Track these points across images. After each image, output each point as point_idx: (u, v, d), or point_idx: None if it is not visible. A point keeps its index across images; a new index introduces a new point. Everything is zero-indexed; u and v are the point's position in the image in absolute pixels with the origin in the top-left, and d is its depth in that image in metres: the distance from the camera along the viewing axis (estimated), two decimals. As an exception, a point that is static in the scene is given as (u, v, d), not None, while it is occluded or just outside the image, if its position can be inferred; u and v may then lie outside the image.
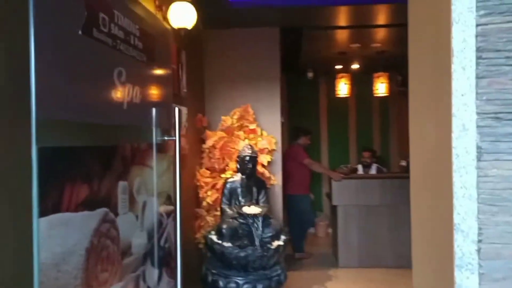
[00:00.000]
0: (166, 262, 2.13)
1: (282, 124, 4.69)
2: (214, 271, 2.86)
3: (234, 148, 3.50)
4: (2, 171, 1.01)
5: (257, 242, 2.82)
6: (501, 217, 0.93)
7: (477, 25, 0.96)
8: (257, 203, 3.21)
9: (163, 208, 2.15)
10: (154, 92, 2.07)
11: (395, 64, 5.28)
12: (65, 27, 1.28)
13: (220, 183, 3.42)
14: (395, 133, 6.56)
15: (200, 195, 3.52)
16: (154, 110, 2.02)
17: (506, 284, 0.93)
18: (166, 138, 2.14)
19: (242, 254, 2.75)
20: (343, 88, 5.85)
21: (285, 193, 4.66)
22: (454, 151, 0.95)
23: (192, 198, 3.52)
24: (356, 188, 4.60)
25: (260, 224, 2.88)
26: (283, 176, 4.30)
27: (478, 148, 0.95)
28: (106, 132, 1.56)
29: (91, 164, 1.43)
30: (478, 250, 0.93)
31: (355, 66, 5.98)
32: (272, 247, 2.85)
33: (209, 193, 3.45)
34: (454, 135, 0.95)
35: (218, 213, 3.31)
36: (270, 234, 2.90)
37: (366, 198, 4.56)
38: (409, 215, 1.28)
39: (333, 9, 3.74)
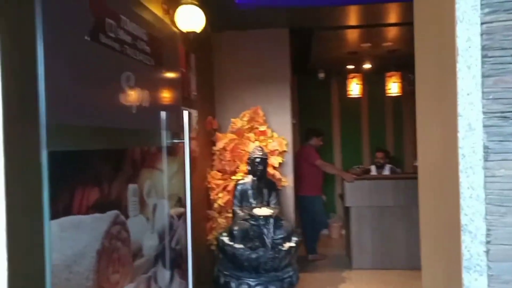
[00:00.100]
0: (177, 264, 2.15)
1: (294, 125, 4.68)
2: (226, 273, 2.87)
3: (244, 150, 3.51)
4: (14, 175, 1.03)
5: (268, 244, 2.82)
6: (510, 218, 0.92)
7: (482, 23, 0.94)
8: (268, 205, 3.21)
9: (174, 210, 2.17)
10: (163, 96, 2.09)
11: (408, 63, 5.18)
12: (72, 33, 1.31)
13: (231, 185, 3.44)
14: (408, 133, 6.48)
15: (212, 197, 3.54)
16: (163, 113, 2.05)
17: (516, 286, 0.91)
18: (175, 141, 2.16)
19: (254, 255, 2.76)
20: (355, 88, 5.80)
21: (297, 194, 4.65)
22: (460, 151, 0.94)
23: (204, 200, 3.54)
24: (369, 189, 4.55)
25: (271, 225, 2.88)
26: (294, 177, 4.30)
27: (485, 147, 0.93)
28: (115, 136, 1.58)
29: (101, 167, 1.46)
30: (487, 252, 0.92)
31: (367, 65, 5.93)
32: (284, 248, 2.85)
33: (220, 195, 3.46)
34: (460, 135, 0.94)
35: (230, 214, 3.32)
36: (281, 236, 2.89)
37: (380, 199, 4.51)
38: (422, 216, 1.27)
39: (343, 9, 3.72)
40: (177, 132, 2.19)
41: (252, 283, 2.79)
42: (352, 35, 4.66)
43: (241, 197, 3.20)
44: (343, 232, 5.52)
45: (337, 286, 4.01)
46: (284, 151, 3.77)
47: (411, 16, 1.30)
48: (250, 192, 3.20)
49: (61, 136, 1.22)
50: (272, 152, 3.63)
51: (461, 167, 0.93)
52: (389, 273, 4.27)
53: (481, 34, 0.94)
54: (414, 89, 1.30)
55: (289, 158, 3.97)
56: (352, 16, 3.99)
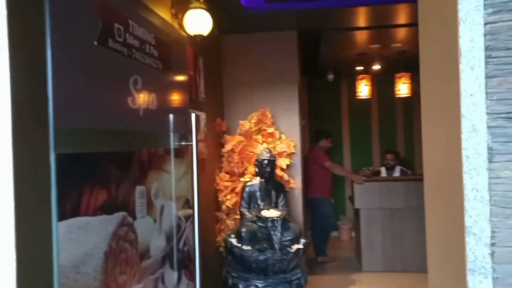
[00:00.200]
0: (185, 265, 2.17)
1: (303, 127, 4.67)
2: (234, 274, 2.88)
3: (252, 152, 3.52)
4: (23, 177, 1.06)
5: (276, 246, 2.82)
6: (515, 220, 0.91)
7: (485, 24, 0.93)
8: (276, 207, 3.22)
9: (182, 212, 2.19)
10: (171, 99, 2.11)
11: (417, 64, 5.08)
12: (81, 39, 1.34)
13: (239, 187, 3.45)
14: (419, 134, 6.38)
15: (220, 199, 3.56)
16: (171, 116, 2.07)
17: (522, 289, 0.90)
18: (183, 143, 2.18)
19: (261, 257, 2.76)
20: (364, 89, 5.77)
21: (307, 196, 4.64)
22: (464, 153, 0.93)
23: (212, 201, 3.56)
24: (379, 191, 4.52)
25: (279, 227, 2.88)
26: (303, 179, 4.29)
27: (490, 149, 0.92)
28: (123, 139, 1.60)
29: (108, 169, 1.48)
30: (492, 254, 0.91)
31: (376, 67, 5.89)
32: (292, 250, 2.84)
33: (228, 196, 3.47)
34: (463, 136, 0.93)
35: (238, 216, 3.33)
36: (289, 238, 2.89)
37: (390, 201, 4.47)
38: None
39: (351, 10, 3.71)
40: (185, 134, 2.21)
41: (260, 285, 2.79)
42: (361, 37, 4.64)
43: (249, 199, 3.20)
44: (353, 234, 5.49)
45: (347, 288, 3.98)
46: (292, 153, 3.76)
47: (420, 16, 1.29)
48: (258, 194, 3.20)
49: (69, 139, 1.25)
50: (280, 154, 3.63)
51: (465, 168, 0.93)
52: (399, 276, 4.23)
53: (485, 35, 0.94)
54: (421, 90, 1.29)
55: (297, 160, 3.97)
56: (361, 17, 3.98)
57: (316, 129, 5.31)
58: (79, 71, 1.32)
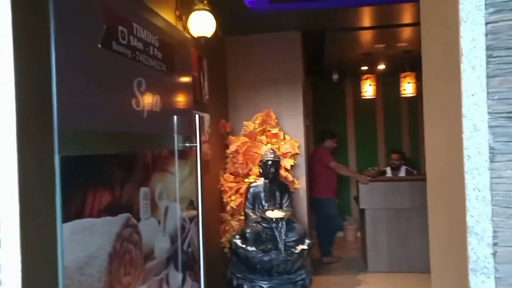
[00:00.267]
0: (189, 266, 2.17)
1: (308, 127, 4.67)
2: (239, 275, 2.88)
3: (257, 153, 3.53)
4: (27, 179, 1.07)
5: (281, 246, 2.83)
6: (517, 220, 0.90)
7: (487, 23, 0.93)
8: (280, 207, 3.22)
9: (186, 213, 2.20)
10: (175, 100, 2.12)
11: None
12: (85, 42, 1.35)
13: (243, 188, 3.45)
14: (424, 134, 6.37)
15: (224, 200, 3.57)
16: (175, 117, 2.08)
17: (525, 289, 0.89)
18: (187, 144, 2.19)
19: (266, 258, 2.76)
20: (368, 89, 5.76)
21: (312, 197, 4.63)
22: (465, 152, 0.93)
23: (217, 202, 3.57)
24: (384, 191, 4.51)
25: (283, 228, 2.89)
26: (308, 179, 4.28)
27: (491, 148, 0.92)
28: (127, 141, 1.62)
29: (112, 171, 1.50)
30: (494, 254, 0.91)
31: (381, 66, 5.88)
32: (296, 251, 2.84)
33: (233, 197, 3.48)
34: (465, 135, 0.93)
35: (243, 217, 3.34)
36: (294, 238, 2.89)
37: (395, 201, 4.45)
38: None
39: (355, 10, 3.70)
40: (189, 135, 2.22)
41: (265, 286, 2.79)
42: (366, 36, 4.63)
43: (254, 200, 3.21)
44: (359, 234, 5.47)
45: (352, 289, 3.97)
46: (297, 153, 3.76)
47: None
48: (262, 194, 3.21)
49: (74, 141, 1.26)
50: (285, 155, 3.64)
51: (466, 168, 0.92)
52: (405, 276, 4.21)
53: (486, 34, 0.93)
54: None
55: (301, 161, 3.97)
56: (365, 17, 3.97)
57: (321, 129, 5.30)
58: (83, 74, 1.34)
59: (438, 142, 1.16)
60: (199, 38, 2.79)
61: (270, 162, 3.21)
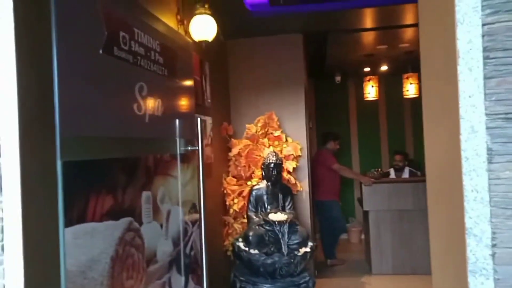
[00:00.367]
0: (192, 269, 2.18)
1: (310, 129, 4.66)
2: (242, 278, 2.89)
3: (259, 156, 3.54)
4: (30, 185, 1.08)
5: (284, 249, 2.83)
6: (516, 221, 0.90)
7: (483, 25, 0.94)
8: (283, 210, 3.22)
9: (189, 217, 2.21)
10: (177, 104, 2.14)
11: (425, 64, 5.12)
12: (86, 48, 1.37)
13: (246, 191, 3.46)
14: (428, 135, 6.34)
15: (227, 203, 3.57)
16: (177, 121, 2.09)
17: (525, 291, 0.89)
18: (189, 148, 2.20)
19: (269, 261, 2.76)
20: (371, 91, 5.75)
21: (315, 199, 4.63)
22: (463, 154, 0.93)
23: (220, 205, 3.57)
24: (388, 192, 4.49)
25: (286, 231, 2.89)
26: (311, 182, 4.28)
27: (489, 150, 0.92)
28: (129, 145, 1.63)
29: (114, 175, 1.51)
30: (493, 255, 0.91)
31: (384, 67, 5.87)
32: (299, 254, 2.84)
33: (235, 200, 3.49)
34: (462, 137, 0.93)
35: (245, 220, 3.34)
36: (296, 241, 2.89)
37: (399, 202, 4.44)
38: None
39: (357, 11, 3.70)
40: (191, 139, 2.23)
41: (268, 289, 2.79)
42: (368, 38, 4.63)
43: (256, 203, 3.21)
44: (363, 236, 5.45)
45: (356, 291, 3.96)
46: (299, 155, 3.77)
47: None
48: (265, 197, 3.21)
49: (76, 146, 1.28)
50: (287, 157, 3.64)
51: (464, 170, 0.93)
52: (409, 278, 4.19)
53: (483, 36, 0.94)
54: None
55: (304, 163, 3.97)
56: (367, 18, 3.97)
57: (324, 131, 5.30)
58: (85, 80, 1.35)
59: (437, 143, 1.17)
60: (201, 42, 2.81)
61: (272, 165, 3.22)
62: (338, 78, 6.12)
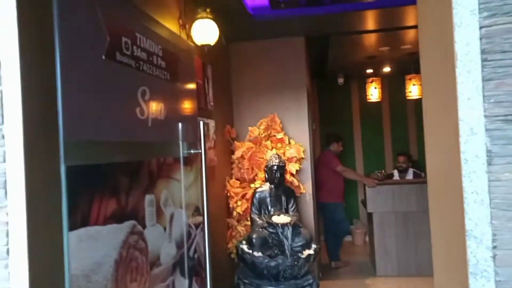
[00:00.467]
0: (196, 272, 2.19)
1: (314, 131, 4.66)
2: (246, 281, 2.89)
3: (262, 158, 3.54)
4: (34, 189, 1.10)
5: (287, 252, 2.83)
6: (517, 222, 0.90)
7: (481, 28, 0.94)
8: (286, 212, 3.22)
9: (192, 219, 2.22)
10: (179, 108, 2.15)
11: (428, 65, 5.11)
12: (89, 53, 1.39)
13: (249, 193, 3.47)
14: (432, 136, 6.32)
15: (231, 205, 3.58)
16: (180, 125, 2.11)
17: (526, 292, 0.89)
18: (192, 151, 2.22)
19: (273, 263, 2.77)
20: (374, 92, 5.75)
21: (319, 201, 4.62)
22: (463, 156, 0.94)
23: (223, 208, 3.58)
24: (392, 194, 4.48)
25: (289, 233, 2.89)
26: (315, 184, 4.28)
27: (489, 152, 0.93)
28: (132, 149, 1.64)
29: (118, 179, 1.52)
30: (494, 257, 0.91)
31: (386, 69, 5.87)
32: (303, 256, 2.84)
33: (239, 203, 3.50)
34: (462, 139, 0.94)
35: (249, 222, 3.35)
36: (300, 243, 2.89)
37: (403, 204, 4.43)
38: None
39: (358, 14, 3.71)
40: (194, 142, 2.25)
41: (272, 291, 2.79)
42: (370, 40, 4.63)
43: (259, 205, 3.22)
44: (367, 238, 5.44)
45: (361, 293, 3.95)
46: (302, 158, 3.77)
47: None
48: (268, 199, 3.22)
49: (79, 151, 1.29)
50: (290, 159, 3.64)
51: (464, 171, 0.93)
52: (414, 280, 4.17)
53: (480, 38, 0.94)
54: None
55: (307, 165, 3.97)
56: (369, 20, 3.97)
57: (326, 133, 5.30)
58: (88, 85, 1.37)
59: (437, 145, 1.17)
60: (203, 46, 2.83)
61: (275, 167, 3.23)
62: (341, 80, 6.12)
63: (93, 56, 1.41)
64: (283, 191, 3.30)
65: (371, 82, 5.75)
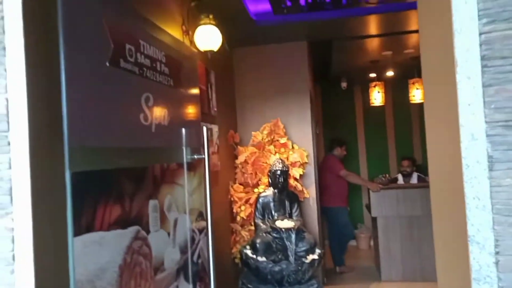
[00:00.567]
0: (200, 277, 2.19)
1: (317, 135, 4.66)
2: (250, 286, 2.89)
3: (265, 163, 3.55)
4: (39, 195, 1.11)
5: (291, 256, 2.83)
6: (519, 228, 0.90)
7: (481, 34, 0.95)
8: (290, 217, 3.22)
9: (196, 225, 2.23)
10: (183, 113, 2.17)
11: (431, 69, 5.11)
12: (93, 60, 1.41)
13: (253, 198, 3.47)
14: (436, 140, 6.30)
15: (234, 210, 3.59)
16: (183, 130, 2.12)
17: (529, 298, 0.89)
18: (195, 157, 2.23)
19: (277, 268, 2.77)
20: (377, 96, 5.75)
21: (323, 206, 4.62)
22: (464, 162, 0.94)
23: (227, 213, 3.59)
24: (396, 198, 4.47)
25: (293, 238, 2.89)
26: (319, 188, 4.27)
27: (490, 157, 0.93)
28: (136, 155, 1.66)
29: (122, 185, 1.53)
30: (496, 263, 0.91)
31: (390, 73, 5.87)
32: (307, 261, 2.84)
33: (242, 208, 3.50)
34: (463, 145, 0.94)
35: (253, 227, 3.35)
36: (304, 248, 2.89)
37: (407, 208, 4.41)
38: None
39: (361, 19, 3.72)
40: (197, 147, 2.26)
41: (276, 296, 2.79)
42: (373, 44, 4.64)
43: (263, 210, 3.23)
44: (372, 243, 5.41)
45: (365, 298, 3.93)
46: (306, 162, 3.77)
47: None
48: (271, 204, 3.22)
49: (84, 157, 1.31)
50: (293, 164, 3.65)
51: (465, 177, 0.93)
52: (419, 285, 4.14)
53: (480, 44, 0.95)
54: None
55: (310, 170, 3.97)
56: (372, 25, 3.99)
57: (330, 138, 5.30)
58: (92, 92, 1.39)
59: (439, 151, 1.17)
60: (206, 52, 2.85)
61: (279, 172, 3.23)
62: (344, 84, 6.13)
63: (97, 63, 1.43)
64: (286, 195, 3.31)
65: (374, 86, 5.75)
